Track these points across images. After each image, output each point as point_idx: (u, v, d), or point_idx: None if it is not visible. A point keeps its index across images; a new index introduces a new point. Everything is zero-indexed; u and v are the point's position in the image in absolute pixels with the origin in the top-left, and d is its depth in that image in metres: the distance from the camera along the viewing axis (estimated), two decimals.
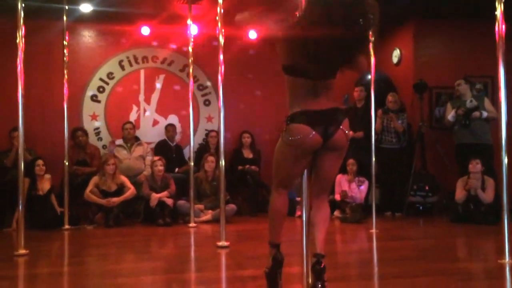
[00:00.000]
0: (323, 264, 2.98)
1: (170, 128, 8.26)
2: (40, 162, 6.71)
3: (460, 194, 6.90)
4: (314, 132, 2.92)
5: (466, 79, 7.52)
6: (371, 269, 4.27)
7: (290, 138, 2.96)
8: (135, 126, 8.16)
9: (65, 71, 6.59)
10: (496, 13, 4.32)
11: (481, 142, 7.19)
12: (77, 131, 7.69)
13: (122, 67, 8.56)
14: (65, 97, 6.55)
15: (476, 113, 7.23)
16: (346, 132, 3.01)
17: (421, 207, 7.64)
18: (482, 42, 7.78)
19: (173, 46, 8.63)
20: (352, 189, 7.40)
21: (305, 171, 3.21)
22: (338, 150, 3.05)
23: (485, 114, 7.24)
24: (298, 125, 2.94)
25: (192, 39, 6.77)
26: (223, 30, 5.14)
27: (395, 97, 7.85)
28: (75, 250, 5.37)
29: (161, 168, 7.18)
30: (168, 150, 8.08)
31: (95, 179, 6.98)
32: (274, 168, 3.21)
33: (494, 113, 7.08)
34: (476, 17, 7.70)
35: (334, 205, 7.34)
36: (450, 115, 7.46)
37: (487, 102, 7.40)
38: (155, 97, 8.64)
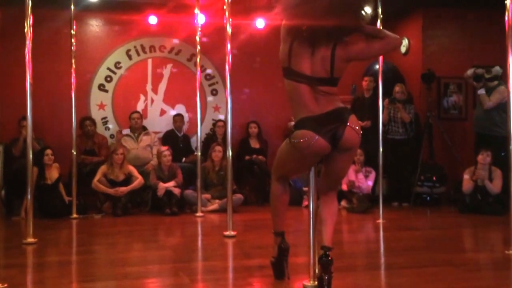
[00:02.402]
0: (330, 257, 3.00)
1: (178, 118, 8.27)
2: (49, 151, 6.74)
3: (467, 184, 6.88)
4: (317, 137, 2.93)
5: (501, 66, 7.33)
6: (378, 259, 4.27)
7: (295, 141, 3.01)
8: (143, 115, 8.17)
9: (73, 61, 6.60)
10: (506, 2, 4.28)
11: (499, 135, 6.99)
12: (85, 120, 7.71)
13: (130, 57, 8.55)
14: (73, 86, 6.56)
15: (482, 92, 7.12)
16: (354, 127, 3.00)
17: (428, 198, 7.62)
18: (491, 32, 7.75)
19: (181, 35, 8.61)
20: (359, 179, 7.40)
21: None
22: (350, 149, 3.06)
23: (486, 106, 7.12)
24: (303, 131, 2.98)
25: (200, 29, 6.75)
26: (230, 20, 5.12)
27: (402, 88, 7.80)
28: (83, 239, 5.40)
29: (169, 158, 7.20)
30: (175, 140, 8.10)
31: (103, 169, 7.00)
32: (275, 163, 3.29)
33: (487, 104, 7.03)
34: (485, 7, 7.65)
35: (341, 195, 7.33)
36: (469, 70, 7.36)
37: (497, 91, 7.12)
38: (162, 86, 8.64)
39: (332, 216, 3.19)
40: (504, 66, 4.48)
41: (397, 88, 7.76)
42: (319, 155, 3.04)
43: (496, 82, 7.17)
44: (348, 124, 2.98)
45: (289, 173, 3.35)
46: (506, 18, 4.28)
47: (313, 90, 2.99)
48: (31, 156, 4.89)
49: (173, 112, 8.51)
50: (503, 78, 6.69)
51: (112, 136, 8.32)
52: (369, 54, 3.14)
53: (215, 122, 8.47)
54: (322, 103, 2.99)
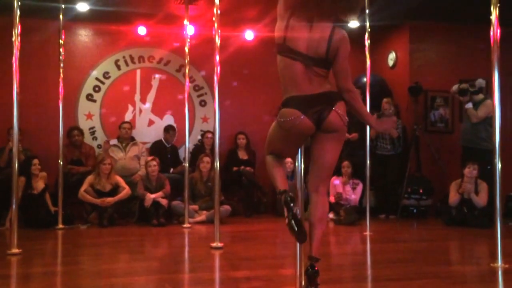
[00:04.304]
0: (316, 268, 2.97)
1: (171, 131, 8.22)
2: (36, 161, 6.69)
3: (453, 197, 6.92)
4: (303, 116, 2.95)
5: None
6: (364, 272, 4.28)
7: (282, 120, 3.03)
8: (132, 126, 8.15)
9: (61, 70, 6.58)
10: (491, 17, 4.34)
11: (485, 148, 6.90)
12: (73, 130, 7.68)
13: (118, 67, 8.54)
14: (61, 96, 6.53)
15: (469, 106, 7.21)
16: (339, 112, 3.00)
17: (415, 210, 7.66)
18: (477, 46, 7.84)
19: (170, 46, 8.63)
20: (346, 191, 7.42)
21: (301, 175, 3.21)
22: (334, 132, 3.04)
23: (474, 119, 7.18)
24: (289, 109, 3.00)
25: (189, 40, 6.77)
26: (219, 31, 5.14)
27: (390, 103, 7.83)
28: (69, 250, 5.36)
29: (155, 168, 7.16)
30: (163, 150, 8.07)
31: (89, 179, 6.96)
32: (266, 142, 3.29)
33: (475, 117, 7.10)
34: (471, 21, 7.74)
35: (328, 207, 7.34)
36: (454, 86, 7.45)
37: (484, 105, 7.16)
38: (151, 97, 8.63)
39: (321, 221, 3.12)
40: (490, 80, 4.53)
41: (385, 105, 7.78)
42: (304, 134, 3.05)
43: (482, 96, 7.26)
44: (334, 108, 2.99)
45: (278, 152, 3.27)
46: (491, 32, 4.34)
47: (307, 69, 2.99)
48: (17, 166, 4.85)
49: (161, 123, 8.49)
50: (489, 92, 6.77)
51: (99, 146, 8.28)
52: (344, 67, 3.11)
53: (204, 133, 8.46)
54: (314, 84, 3.00)
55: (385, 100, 7.84)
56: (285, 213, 3.02)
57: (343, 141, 3.18)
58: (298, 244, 3.19)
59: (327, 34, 2.98)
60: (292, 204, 2.97)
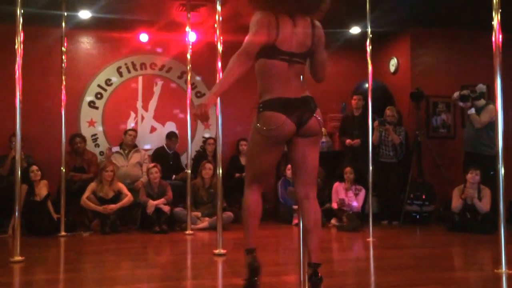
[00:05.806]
0: (320, 275, 2.94)
1: (173, 138, 8.22)
2: (34, 168, 6.69)
3: (456, 203, 6.90)
4: (289, 121, 2.96)
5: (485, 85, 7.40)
6: (368, 278, 4.26)
7: (264, 128, 2.98)
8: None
9: (63, 77, 6.59)
10: (493, 22, 4.34)
11: (488, 154, 6.85)
12: (76, 137, 7.68)
13: (120, 74, 8.57)
14: (63, 103, 6.54)
15: (472, 111, 7.20)
16: (319, 118, 3.06)
17: (417, 216, 7.64)
18: (479, 51, 7.85)
19: (172, 53, 8.65)
20: (349, 198, 7.40)
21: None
22: (312, 136, 3.07)
23: (478, 125, 7.16)
24: (272, 113, 2.97)
25: (191, 46, 6.78)
26: (221, 37, 5.16)
27: (393, 111, 7.80)
28: (71, 257, 5.35)
29: (157, 175, 7.16)
30: (165, 157, 8.08)
31: (92, 186, 6.96)
32: (247, 160, 3.26)
33: (479, 122, 7.08)
34: (473, 27, 7.75)
35: (331, 213, 7.35)
36: (455, 94, 7.42)
37: (486, 110, 7.15)
38: (153, 103, 8.65)
39: (316, 227, 3.07)
40: (492, 85, 4.52)
41: (388, 112, 7.77)
42: (286, 138, 3.05)
43: (483, 101, 7.25)
44: (315, 115, 3.04)
45: (259, 169, 3.16)
46: (493, 38, 4.34)
47: (289, 68, 3.02)
48: (19, 173, 4.85)
49: (163, 129, 8.50)
50: (491, 98, 6.76)
51: (101, 153, 8.29)
52: (325, 56, 3.19)
53: (205, 140, 8.46)
54: (293, 85, 3.03)
55: (388, 107, 7.84)
56: (245, 274, 3.06)
57: (320, 144, 3.23)
58: (301, 251, 3.18)
59: (309, 26, 3.04)
60: (256, 273, 3.01)
